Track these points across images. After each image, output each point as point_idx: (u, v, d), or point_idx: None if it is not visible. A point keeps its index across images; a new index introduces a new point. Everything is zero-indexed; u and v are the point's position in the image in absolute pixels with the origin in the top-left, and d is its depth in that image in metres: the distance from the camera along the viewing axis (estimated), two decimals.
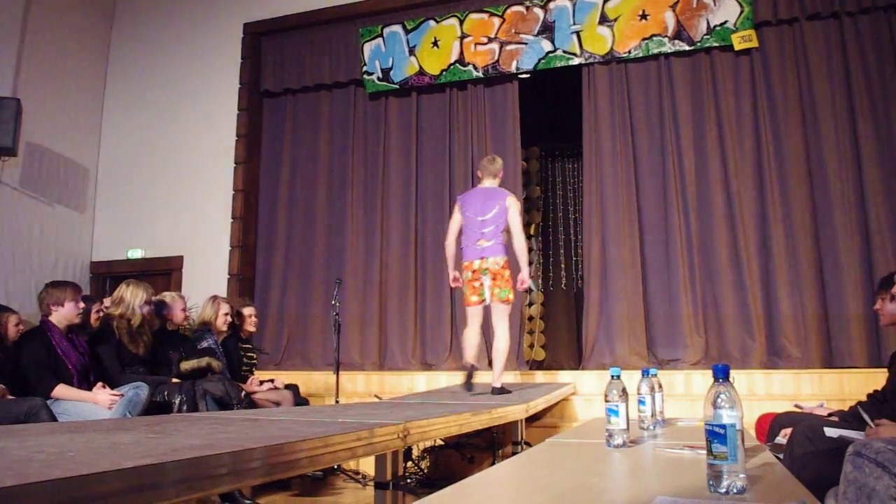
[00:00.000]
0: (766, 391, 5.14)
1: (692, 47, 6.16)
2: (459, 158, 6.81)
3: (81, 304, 3.88)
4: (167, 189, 7.44)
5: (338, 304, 5.37)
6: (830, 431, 2.42)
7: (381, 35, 6.94)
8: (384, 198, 6.94)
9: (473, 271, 4.20)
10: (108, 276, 7.41)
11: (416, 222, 6.82)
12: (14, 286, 6.46)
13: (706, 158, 6.17)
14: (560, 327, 7.85)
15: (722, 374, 1.32)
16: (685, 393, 5.26)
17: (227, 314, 4.73)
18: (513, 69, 6.52)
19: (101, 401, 3.50)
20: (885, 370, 2.95)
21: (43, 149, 7.03)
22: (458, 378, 5.65)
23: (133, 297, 4.05)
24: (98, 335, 4.02)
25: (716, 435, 1.27)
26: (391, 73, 6.88)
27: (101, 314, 4.37)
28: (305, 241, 7.09)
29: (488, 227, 4.17)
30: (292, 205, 7.20)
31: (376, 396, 5.22)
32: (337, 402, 5.11)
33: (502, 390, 4.11)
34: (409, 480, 3.71)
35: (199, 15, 7.74)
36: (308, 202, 7.16)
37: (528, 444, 3.74)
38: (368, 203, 6.97)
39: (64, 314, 3.73)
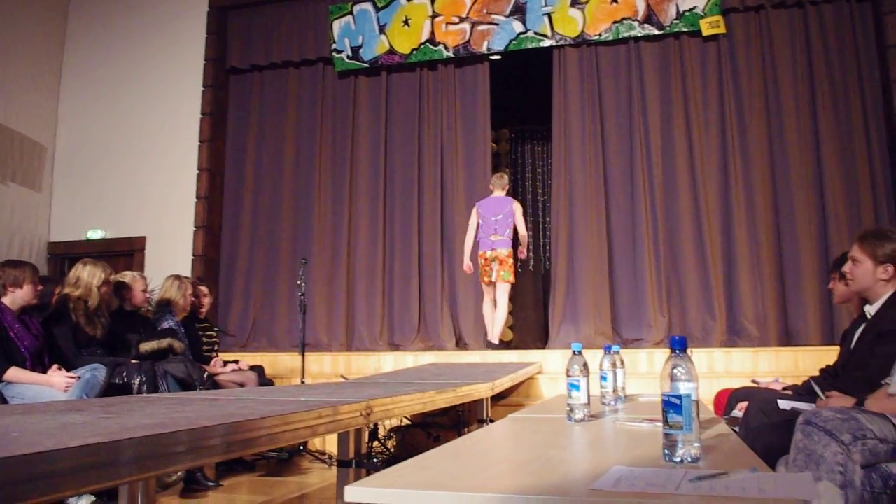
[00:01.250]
0: (725, 368, 5.25)
1: (661, 31, 6.20)
2: (429, 138, 6.79)
3: (39, 287, 3.77)
4: (129, 168, 7.28)
5: (303, 284, 5.35)
6: (784, 404, 2.48)
7: (350, 13, 6.86)
8: (352, 177, 6.90)
9: (486, 259, 5.78)
10: (67, 257, 7.25)
11: (384, 202, 6.80)
12: None
13: (673, 142, 6.24)
14: (528, 308, 7.93)
15: (679, 346, 1.33)
16: (648, 371, 5.34)
17: (187, 291, 4.66)
18: (484, 50, 6.53)
19: (56, 383, 3.41)
20: (838, 347, 3.03)
21: None
22: (426, 358, 5.69)
23: (90, 276, 3.94)
24: (53, 316, 3.89)
25: (671, 405, 1.29)
26: (361, 51, 6.81)
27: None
28: (272, 221, 7.04)
29: (499, 226, 5.77)
30: (259, 184, 7.13)
31: (342, 377, 5.20)
32: (302, 382, 5.08)
33: (499, 345, 5.75)
34: (375, 459, 3.71)
35: None
36: (275, 181, 7.10)
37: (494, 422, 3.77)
38: (336, 182, 6.92)
39: (21, 296, 3.60)
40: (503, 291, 5.77)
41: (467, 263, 5.89)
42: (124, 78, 7.46)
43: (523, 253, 5.92)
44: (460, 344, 6.38)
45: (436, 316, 6.46)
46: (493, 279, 5.75)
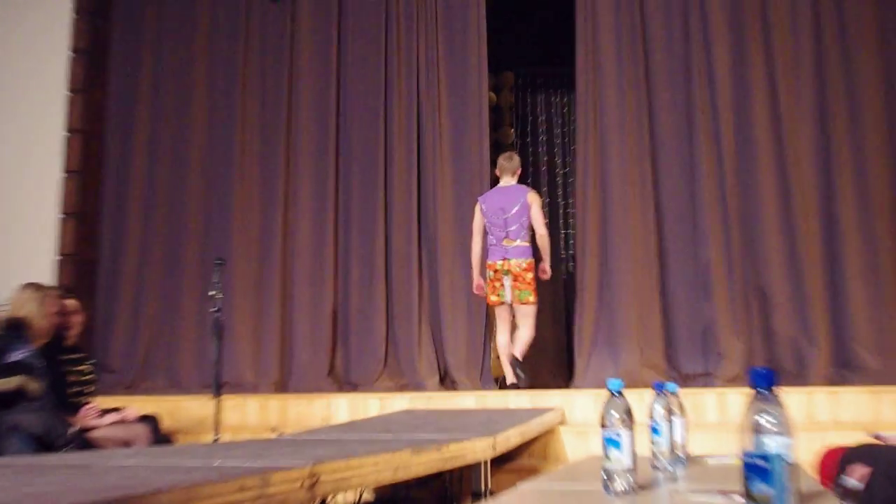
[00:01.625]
0: (832, 416, 5.22)
1: None
2: (399, 86, 6.85)
3: None
4: None
5: (219, 295, 5.33)
6: None
7: None
8: (289, 142, 6.96)
9: (495, 271, 5.94)
10: None
11: (336, 179, 6.88)
12: None
13: (748, 90, 6.27)
14: (542, 329, 7.80)
15: (765, 384, 1.32)
16: (719, 421, 5.34)
17: (49, 306, 4.65)
18: None
19: None
20: None
21: None
22: (397, 402, 5.70)
23: None
24: None
25: (756, 470, 1.28)
26: None
27: None
28: (174, 206, 7.09)
29: (512, 226, 5.90)
30: (154, 153, 7.18)
31: (275, 431, 5.17)
32: (216, 439, 5.06)
33: (519, 382, 5.85)
34: None
35: None
36: (179, 149, 7.16)
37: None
38: (267, 149, 6.99)
39: None
40: (524, 316, 5.96)
41: (477, 281, 6.09)
42: None
43: (546, 271, 6.06)
44: (446, 382, 6.45)
45: (411, 342, 6.53)
46: (507, 299, 5.92)
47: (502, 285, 5.88)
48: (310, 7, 7.04)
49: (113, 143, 7.27)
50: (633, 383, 5.69)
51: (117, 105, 7.29)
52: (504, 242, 5.90)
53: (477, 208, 6.08)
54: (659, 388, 2.55)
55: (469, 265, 6.21)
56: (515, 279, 5.84)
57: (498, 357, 7.43)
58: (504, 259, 5.89)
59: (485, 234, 6.03)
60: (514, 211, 5.90)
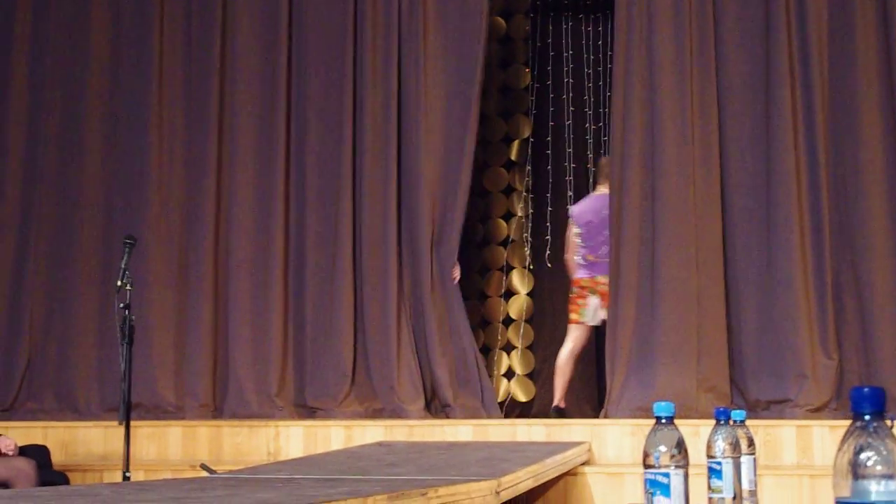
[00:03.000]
0: None
1: None
2: (375, 13, 6.89)
3: None
4: None
5: (129, 287, 5.30)
6: None
7: None
8: (223, 82, 7.00)
9: (581, 287, 6.82)
10: None
11: (286, 136, 6.93)
12: None
13: (850, 21, 6.27)
14: (564, 334, 7.56)
15: (870, 408, 1.31)
16: (798, 461, 5.35)
17: None
18: None
19: None
20: None
21: None
22: (369, 432, 5.75)
23: None
24: None
25: None
26: None
27: None
28: (65, 167, 7.14)
29: (600, 238, 6.70)
30: (38, 96, 7.23)
31: (204, 467, 5.18)
32: (126, 478, 5.04)
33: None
34: None
35: None
36: (72, 91, 7.22)
37: None
38: (193, 92, 7.05)
39: None
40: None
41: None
42: None
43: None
44: (433, 407, 6.51)
45: (387, 352, 6.57)
46: (589, 321, 6.75)
47: (586, 304, 6.73)
48: None
49: None
50: (686, 411, 5.67)
51: None
52: (591, 257, 6.77)
53: (570, 221, 6.92)
54: (721, 418, 2.55)
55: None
56: (602, 298, 6.59)
57: (508, 374, 7.89)
58: (591, 276, 6.76)
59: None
60: (603, 222, 6.66)
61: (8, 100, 7.21)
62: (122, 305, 5.26)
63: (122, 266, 5.30)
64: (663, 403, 2.09)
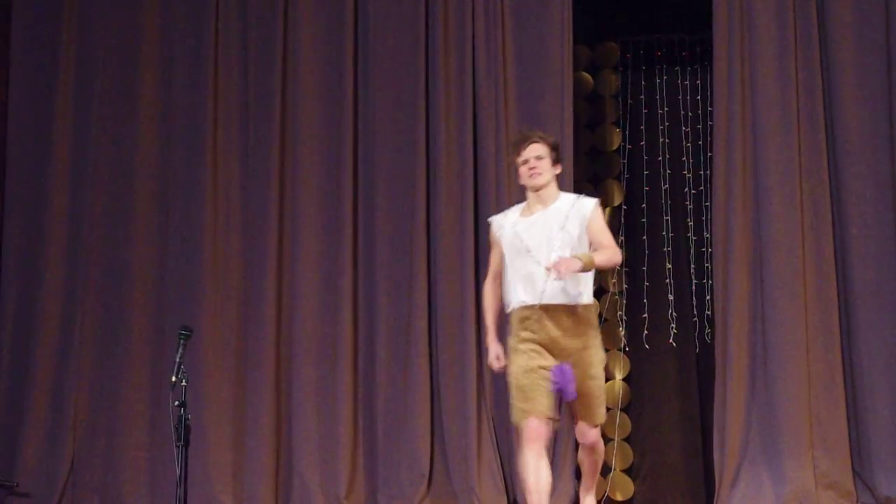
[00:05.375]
0: None
1: None
2: (448, 71, 6.83)
3: None
4: None
5: (185, 383, 4.97)
6: None
7: None
8: (285, 147, 6.93)
9: None
10: None
11: (354, 208, 6.81)
12: None
13: None
14: (666, 425, 7.61)
15: None
16: None
17: None
18: None
19: None
20: None
21: None
22: None
23: None
24: None
25: None
26: None
27: None
28: (113, 249, 7.08)
29: None
30: (83, 172, 7.15)
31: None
32: None
33: None
34: None
35: None
36: (121, 166, 7.17)
37: None
38: (254, 171, 6.96)
39: None
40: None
41: None
42: None
43: None
44: None
45: (466, 449, 6.46)
46: None
47: None
48: None
49: (18, 164, 7.32)
50: None
51: (24, 112, 7.35)
52: None
53: None
54: None
55: None
56: None
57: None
58: None
59: None
60: None
61: (48, 175, 7.13)
62: (176, 403, 4.93)
63: (178, 360, 5.00)
64: None
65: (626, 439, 7.51)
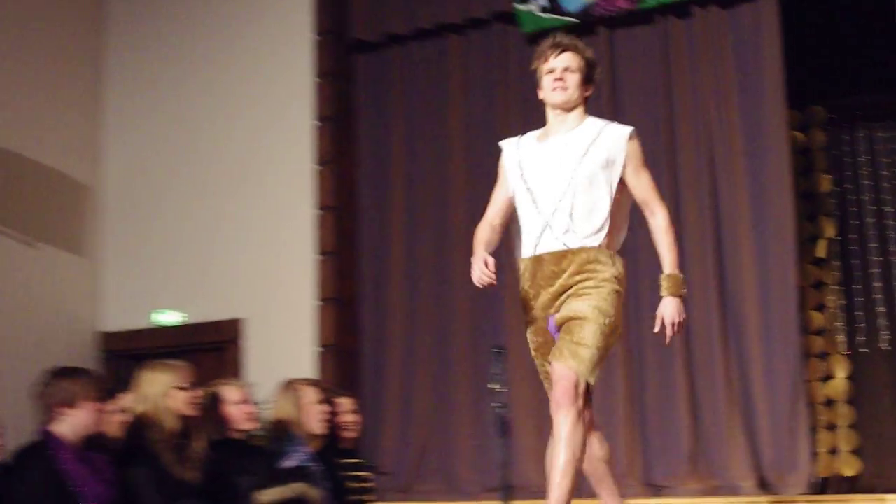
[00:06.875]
0: None
1: None
2: (687, 129, 7.23)
3: (105, 405, 4.45)
4: (210, 215, 8.15)
5: (502, 388, 5.28)
6: None
7: None
8: None
9: None
10: (128, 354, 8.18)
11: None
12: None
13: None
14: (887, 416, 7.91)
15: None
16: None
17: (318, 405, 5.29)
18: None
19: None
20: None
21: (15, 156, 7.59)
22: None
23: (150, 385, 4.58)
24: (127, 453, 4.51)
25: None
26: None
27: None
28: (439, 286, 7.57)
29: None
30: (414, 227, 7.75)
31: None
32: None
33: None
34: None
35: None
36: (439, 220, 7.71)
37: None
38: None
39: (79, 421, 4.23)
40: None
41: None
42: (195, 84, 8.39)
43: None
44: (765, 485, 6.67)
45: (719, 434, 6.79)
46: None
47: None
48: None
49: (367, 218, 7.90)
50: None
51: (368, 177, 7.96)
52: None
53: None
54: None
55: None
56: None
57: (832, 450, 7.76)
58: None
59: None
60: None
61: (389, 231, 7.86)
62: (496, 405, 5.13)
63: (494, 371, 5.22)
64: None
65: (854, 426, 7.76)
